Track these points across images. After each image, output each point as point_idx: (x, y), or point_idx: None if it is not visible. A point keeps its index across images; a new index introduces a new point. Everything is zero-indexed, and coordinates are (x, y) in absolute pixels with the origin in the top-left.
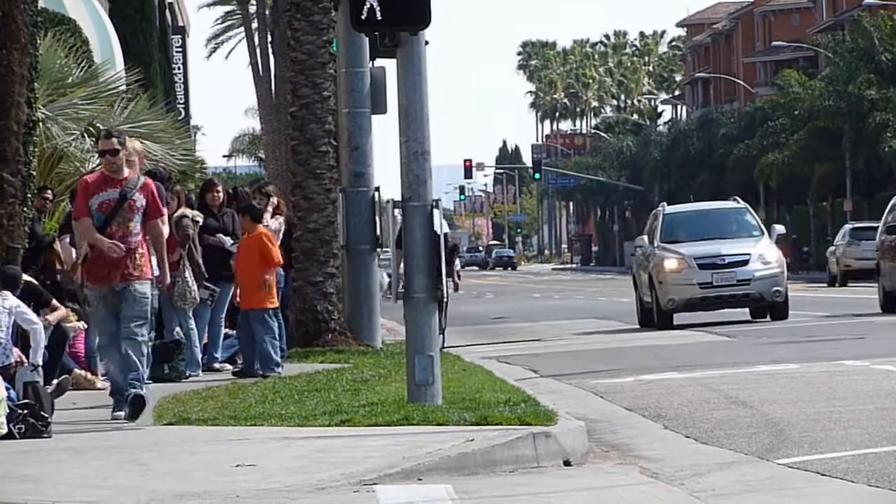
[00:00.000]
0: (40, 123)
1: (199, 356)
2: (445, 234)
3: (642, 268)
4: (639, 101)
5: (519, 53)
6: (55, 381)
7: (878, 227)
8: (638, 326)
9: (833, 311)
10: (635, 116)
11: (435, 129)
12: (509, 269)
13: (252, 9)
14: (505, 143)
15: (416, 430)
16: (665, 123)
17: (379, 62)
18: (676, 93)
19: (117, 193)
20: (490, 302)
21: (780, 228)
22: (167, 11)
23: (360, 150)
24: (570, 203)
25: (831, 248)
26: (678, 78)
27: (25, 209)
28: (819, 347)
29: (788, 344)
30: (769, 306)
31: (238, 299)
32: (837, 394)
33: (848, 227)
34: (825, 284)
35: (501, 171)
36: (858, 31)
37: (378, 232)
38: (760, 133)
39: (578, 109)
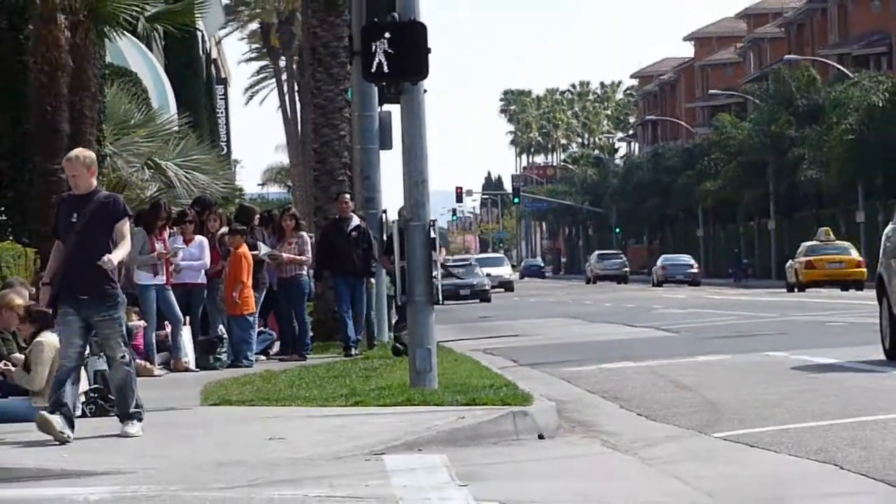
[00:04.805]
0: (108, 158)
1: (251, 349)
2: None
3: None
4: (599, 139)
5: (501, 99)
6: None
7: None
8: (884, 358)
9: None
10: (597, 151)
11: (431, 161)
12: None
13: (282, 63)
14: (489, 173)
15: (417, 410)
16: (621, 157)
17: (386, 107)
18: (630, 132)
19: None
20: (475, 305)
21: None
22: (212, 66)
23: (370, 179)
24: (543, 223)
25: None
26: (632, 120)
27: None
28: (748, 342)
29: (722, 338)
30: None
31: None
32: (762, 380)
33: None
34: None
35: (487, 196)
36: (780, 81)
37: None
38: (699, 165)
39: (550, 146)
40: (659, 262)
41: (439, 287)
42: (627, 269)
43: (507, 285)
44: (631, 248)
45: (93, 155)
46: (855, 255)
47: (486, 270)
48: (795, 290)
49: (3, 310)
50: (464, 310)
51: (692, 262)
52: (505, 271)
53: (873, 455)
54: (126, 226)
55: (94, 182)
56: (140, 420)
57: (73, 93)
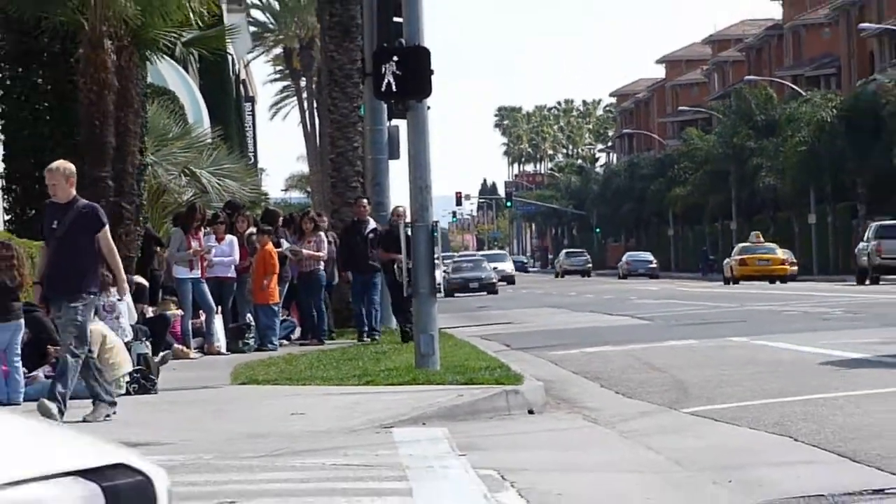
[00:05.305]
0: (149, 167)
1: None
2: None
3: None
4: (582, 150)
5: (495, 115)
6: (161, 354)
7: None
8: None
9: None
10: (580, 161)
11: (434, 169)
12: None
13: (303, 83)
14: (485, 180)
15: (422, 389)
16: (601, 166)
17: (394, 122)
18: (609, 144)
19: None
20: (474, 296)
21: None
22: (241, 85)
23: (380, 185)
24: (533, 224)
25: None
26: (611, 133)
27: (138, 228)
28: (713, 328)
29: (690, 325)
30: None
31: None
32: (725, 362)
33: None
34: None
35: (483, 200)
36: (741, 99)
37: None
38: (670, 173)
39: (538, 156)
40: (624, 258)
41: (441, 280)
42: (591, 265)
43: (508, 279)
44: (610, 246)
45: (72, 167)
46: (780, 254)
47: (491, 265)
48: (731, 283)
49: None
50: (463, 301)
51: (651, 258)
52: (507, 266)
53: (825, 428)
54: (107, 233)
55: (73, 192)
56: (60, 405)
57: (119, 109)
